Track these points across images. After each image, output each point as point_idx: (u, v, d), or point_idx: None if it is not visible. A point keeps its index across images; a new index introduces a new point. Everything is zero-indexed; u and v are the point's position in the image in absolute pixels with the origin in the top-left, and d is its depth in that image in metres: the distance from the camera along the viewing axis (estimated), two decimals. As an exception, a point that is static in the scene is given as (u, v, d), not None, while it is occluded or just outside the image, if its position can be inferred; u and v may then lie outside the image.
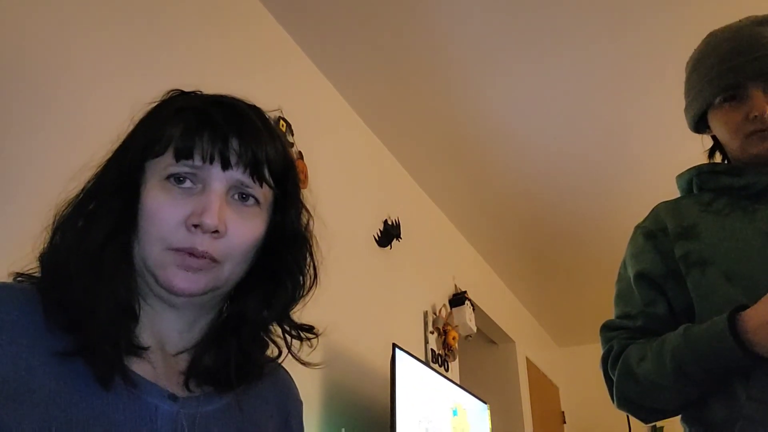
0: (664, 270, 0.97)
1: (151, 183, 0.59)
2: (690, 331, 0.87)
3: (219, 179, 0.59)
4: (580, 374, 4.70)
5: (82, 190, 0.61)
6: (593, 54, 2.20)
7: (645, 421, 0.99)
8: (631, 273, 1.02)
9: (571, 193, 3.10)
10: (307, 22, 2.06)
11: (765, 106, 0.92)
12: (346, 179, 2.34)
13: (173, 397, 0.58)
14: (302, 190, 0.69)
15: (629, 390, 0.95)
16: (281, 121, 1.90)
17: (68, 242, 0.57)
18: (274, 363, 0.69)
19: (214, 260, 0.59)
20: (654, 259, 0.99)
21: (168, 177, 0.59)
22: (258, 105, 0.66)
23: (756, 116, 0.93)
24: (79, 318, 0.54)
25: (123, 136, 0.63)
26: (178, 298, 0.60)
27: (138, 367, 0.57)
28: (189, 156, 0.59)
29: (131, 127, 0.63)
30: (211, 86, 0.68)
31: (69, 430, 0.49)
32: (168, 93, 0.65)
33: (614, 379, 0.97)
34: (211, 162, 0.59)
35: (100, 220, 0.58)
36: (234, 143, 0.60)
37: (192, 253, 0.57)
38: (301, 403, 0.76)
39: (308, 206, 0.69)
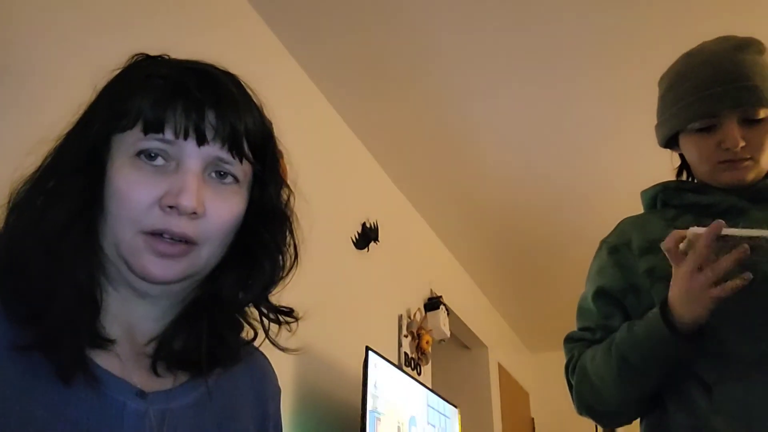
0: (624, 284, 0.99)
1: (118, 160, 0.54)
2: (632, 323, 0.90)
3: (194, 156, 0.54)
4: (550, 381, 4.73)
5: (41, 165, 0.56)
6: (573, 74, 2.24)
7: (604, 426, 1.00)
8: (591, 288, 1.03)
9: (547, 205, 3.15)
10: (291, 21, 2.03)
11: (738, 138, 0.91)
12: (326, 180, 2.31)
13: (141, 394, 0.53)
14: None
15: (584, 390, 0.96)
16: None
17: (25, 223, 0.53)
18: (251, 346, 0.64)
19: (190, 242, 0.54)
20: (614, 275, 1.00)
21: (138, 153, 0.54)
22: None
23: (728, 148, 0.92)
24: (37, 307, 0.50)
25: (85, 107, 0.57)
26: (152, 287, 0.56)
27: (104, 360, 0.53)
28: (159, 129, 0.54)
29: (94, 97, 0.58)
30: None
31: (25, 428, 0.46)
32: (133, 57, 0.59)
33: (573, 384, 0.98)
34: (186, 137, 0.54)
35: (62, 199, 0.53)
36: (210, 115, 0.55)
37: (167, 234, 0.53)
38: (279, 390, 0.72)
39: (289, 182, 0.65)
